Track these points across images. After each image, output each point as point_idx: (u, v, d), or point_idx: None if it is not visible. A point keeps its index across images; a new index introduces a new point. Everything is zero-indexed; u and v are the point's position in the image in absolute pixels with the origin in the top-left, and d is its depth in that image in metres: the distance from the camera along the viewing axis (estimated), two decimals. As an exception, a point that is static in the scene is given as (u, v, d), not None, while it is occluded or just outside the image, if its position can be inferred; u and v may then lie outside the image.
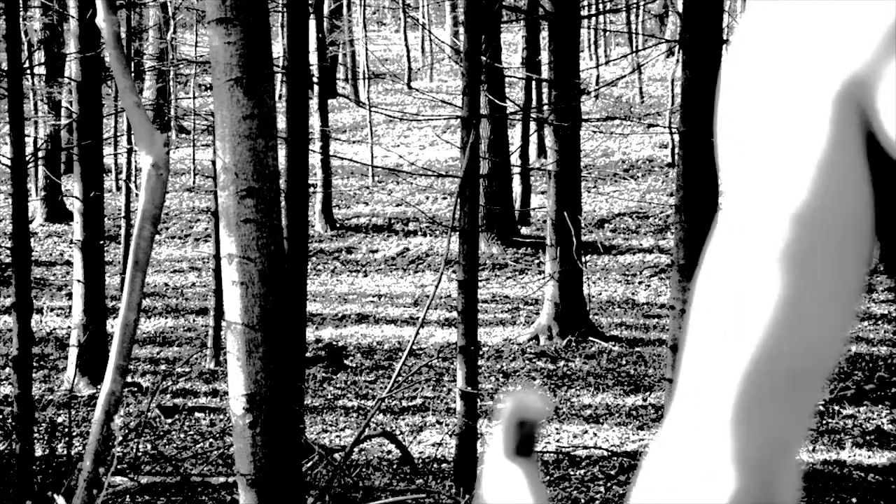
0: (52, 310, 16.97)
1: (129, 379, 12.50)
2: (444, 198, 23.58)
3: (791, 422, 0.78)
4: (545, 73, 16.47)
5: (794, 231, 0.76)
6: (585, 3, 33.08)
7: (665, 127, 19.48)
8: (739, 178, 0.80)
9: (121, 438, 9.65)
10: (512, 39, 37.67)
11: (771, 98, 0.80)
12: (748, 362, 0.77)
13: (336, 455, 9.70)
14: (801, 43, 0.81)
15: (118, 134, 20.78)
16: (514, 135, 24.26)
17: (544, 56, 19.27)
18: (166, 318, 16.65)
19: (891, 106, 0.75)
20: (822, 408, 11.82)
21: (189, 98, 28.07)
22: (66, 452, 8.72)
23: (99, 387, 12.20)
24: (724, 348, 0.78)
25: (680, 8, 13.04)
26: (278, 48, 19.31)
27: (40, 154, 22.31)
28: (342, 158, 15.23)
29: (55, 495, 7.60)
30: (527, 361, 14.04)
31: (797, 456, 0.80)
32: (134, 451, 10.00)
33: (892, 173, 0.79)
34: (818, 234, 0.77)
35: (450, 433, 11.12)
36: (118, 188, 24.47)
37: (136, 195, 15.35)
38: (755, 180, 0.78)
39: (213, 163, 7.49)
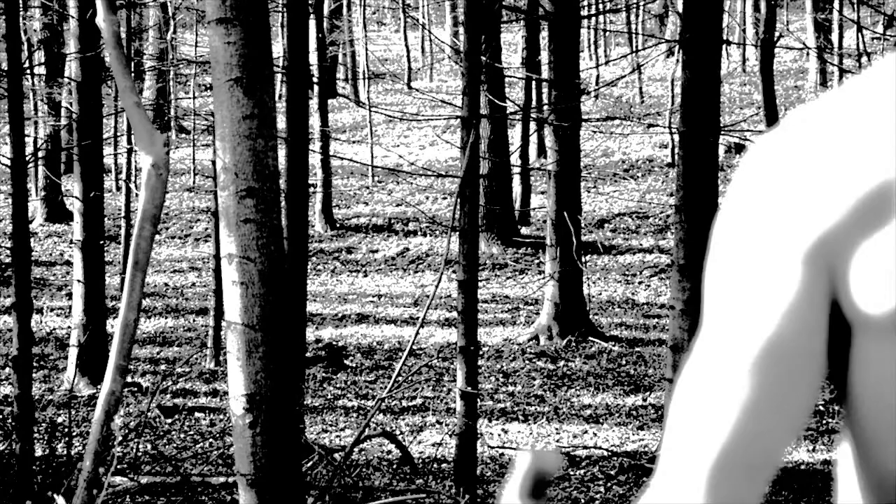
0: (52, 310, 16.97)
1: (129, 379, 12.50)
2: (444, 198, 23.58)
3: (746, 501, 1.06)
4: (545, 73, 16.47)
5: (761, 357, 1.03)
6: (585, 3, 33.07)
7: (665, 127, 19.47)
8: (723, 311, 1.06)
9: (121, 438, 9.65)
10: (512, 39, 37.66)
11: (755, 252, 1.05)
12: (715, 453, 1.05)
13: (336, 455, 9.70)
14: (782, 206, 1.05)
15: (118, 134, 20.78)
16: (514, 135, 24.26)
17: (544, 56, 19.27)
18: (166, 318, 16.65)
19: (858, 276, 0.94)
20: (821, 408, 11.83)
21: (189, 98, 28.06)
22: (66, 452, 8.72)
23: (99, 387, 12.20)
24: (696, 441, 1.05)
25: (680, 8, 13.04)
26: (278, 48, 19.30)
27: (40, 154, 22.31)
28: (342, 158, 15.24)
29: (55, 495, 7.60)
30: (527, 361, 14.04)
31: None
32: (134, 451, 10.00)
33: (844, 330, 1.04)
34: (779, 363, 1.04)
35: (450, 433, 11.12)
36: (118, 188, 24.48)
37: (136, 195, 15.35)
38: (735, 314, 1.04)
39: (213, 163, 7.49)
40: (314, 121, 21.37)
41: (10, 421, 10.57)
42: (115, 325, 7.78)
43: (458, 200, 8.52)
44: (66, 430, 9.51)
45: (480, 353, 13.74)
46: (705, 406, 1.07)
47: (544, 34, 22.10)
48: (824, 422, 11.40)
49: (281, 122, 9.52)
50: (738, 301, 1.07)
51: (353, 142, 28.37)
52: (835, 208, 1.03)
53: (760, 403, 1.06)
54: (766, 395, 1.06)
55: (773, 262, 1.06)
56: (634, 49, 32.77)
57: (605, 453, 10.50)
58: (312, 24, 19.50)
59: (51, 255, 20.93)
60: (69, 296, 16.76)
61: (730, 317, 1.07)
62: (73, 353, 12.86)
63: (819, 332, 1.06)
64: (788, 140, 1.08)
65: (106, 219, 18.14)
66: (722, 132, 11.49)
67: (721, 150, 23.96)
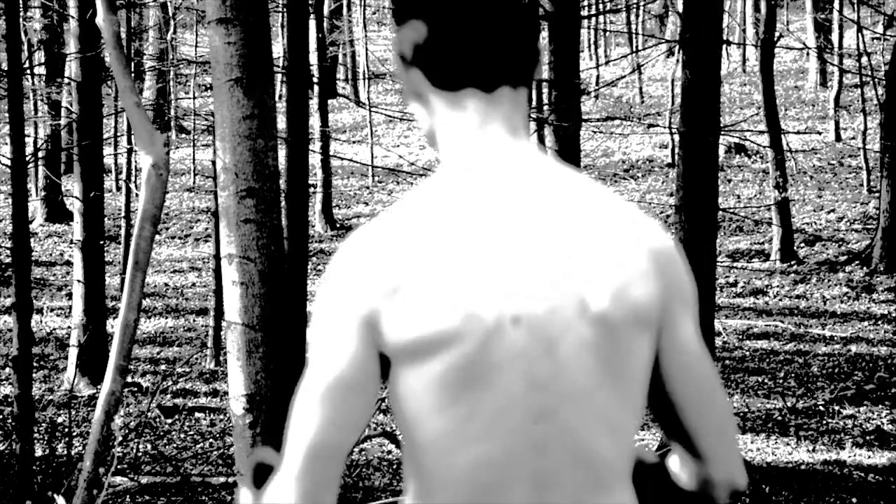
0: (52, 310, 16.97)
1: (129, 379, 12.50)
2: (444, 198, 23.57)
3: (330, 476, 1.74)
4: (545, 73, 16.47)
5: (333, 385, 1.73)
6: (585, 3, 33.07)
7: (665, 127, 19.47)
8: (315, 354, 1.74)
9: (121, 438, 9.64)
10: (512, 39, 37.64)
11: (331, 315, 1.73)
12: (310, 445, 1.72)
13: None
14: (349, 284, 1.72)
15: (118, 134, 20.78)
16: (514, 135, 24.26)
17: (544, 56, 19.26)
18: (166, 318, 16.65)
19: (386, 330, 1.69)
20: (822, 408, 11.83)
21: (189, 98, 28.06)
22: (66, 452, 8.72)
23: (99, 387, 12.20)
24: (299, 439, 1.72)
25: (680, 8, 13.03)
26: (278, 48, 19.30)
27: (40, 154, 22.31)
28: (342, 158, 15.22)
29: (55, 495, 7.60)
30: (527, 361, 14.05)
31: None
32: (134, 451, 10.01)
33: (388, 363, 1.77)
34: (343, 389, 1.72)
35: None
36: (118, 188, 24.48)
37: (136, 195, 15.35)
38: (320, 357, 1.72)
39: (213, 163, 7.49)
40: (314, 121, 21.36)
41: (10, 421, 10.56)
42: (115, 325, 7.78)
43: (458, 200, 8.53)
44: (66, 430, 9.51)
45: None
46: (304, 417, 1.74)
47: (544, 34, 22.10)
48: (824, 422, 11.40)
49: (281, 122, 9.51)
50: (322, 348, 1.74)
51: (353, 142, 28.36)
52: (376, 289, 1.71)
53: (335, 414, 1.73)
54: (338, 408, 1.73)
55: (340, 322, 1.72)
56: (634, 49, 32.76)
57: (605, 453, 10.50)
58: (312, 24, 19.48)
59: (51, 255, 20.93)
60: (69, 296, 16.76)
61: (318, 358, 1.74)
62: (73, 353, 12.86)
63: (368, 369, 1.74)
64: (365, 236, 1.75)
65: (106, 219, 18.14)
66: (722, 132, 11.49)
67: (721, 150, 23.95)
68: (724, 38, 16.22)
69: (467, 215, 1.71)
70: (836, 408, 11.82)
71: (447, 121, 1.80)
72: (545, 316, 1.69)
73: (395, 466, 10.37)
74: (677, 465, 1.88)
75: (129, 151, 17.13)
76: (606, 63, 19.89)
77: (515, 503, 1.71)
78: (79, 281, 12.78)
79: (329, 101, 29.21)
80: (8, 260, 19.18)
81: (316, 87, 21.55)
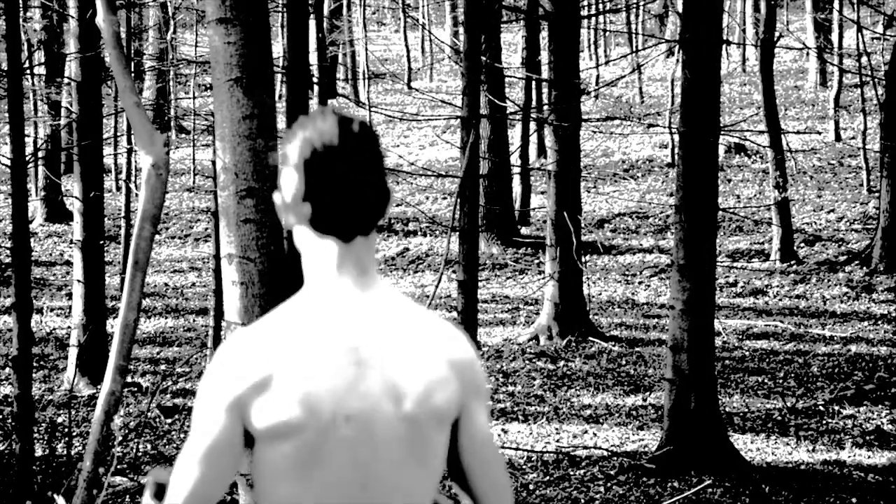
0: (52, 310, 16.96)
1: (129, 379, 12.50)
2: (444, 198, 23.57)
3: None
4: (545, 73, 16.46)
5: (207, 453, 2.33)
6: (585, 3, 33.07)
7: (665, 127, 19.46)
8: (196, 427, 2.33)
9: (121, 438, 9.64)
10: (512, 39, 37.64)
11: (210, 400, 2.33)
12: (188, 498, 2.33)
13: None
14: (225, 376, 2.32)
15: (118, 134, 20.77)
16: (514, 135, 24.25)
17: (544, 56, 19.25)
18: (166, 318, 16.65)
19: (254, 415, 2.29)
20: (822, 408, 11.83)
21: (189, 98, 28.05)
22: (66, 452, 8.72)
23: (99, 387, 12.20)
24: (180, 492, 2.33)
25: (680, 8, 13.03)
26: (278, 48, 19.29)
27: (40, 154, 22.31)
28: (342, 158, 15.17)
29: (55, 495, 7.60)
30: (527, 361, 14.04)
31: None
32: (134, 451, 10.00)
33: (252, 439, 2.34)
34: (216, 456, 2.31)
35: (450, 433, 11.12)
36: (118, 188, 24.47)
37: (136, 195, 15.35)
38: (200, 431, 2.32)
39: (213, 163, 7.49)
40: (314, 121, 21.32)
41: (10, 421, 10.56)
42: (115, 325, 7.78)
43: (458, 200, 8.52)
44: (66, 430, 9.51)
45: (480, 353, 13.73)
46: (185, 473, 2.33)
47: (544, 34, 22.09)
48: (824, 422, 11.39)
49: (281, 122, 9.50)
50: (202, 423, 2.32)
51: (353, 142, 28.32)
52: (246, 383, 2.29)
53: (209, 472, 2.32)
54: (211, 468, 2.32)
55: (217, 405, 2.31)
56: (634, 49, 32.76)
57: (605, 453, 10.50)
58: (312, 24, 19.47)
59: (51, 255, 20.92)
60: (69, 296, 16.76)
61: (198, 431, 2.33)
62: (73, 353, 12.86)
63: (235, 442, 2.32)
64: (242, 340, 2.33)
65: (106, 219, 18.13)
66: (722, 132, 11.49)
67: (721, 150, 23.95)
68: (724, 38, 16.24)
69: (318, 333, 2.31)
70: (836, 408, 11.81)
71: (314, 253, 2.39)
72: (369, 415, 2.30)
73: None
74: None
75: (129, 151, 17.13)
76: (606, 63, 19.88)
77: None
78: (79, 281, 12.77)
79: (329, 101, 29.18)
80: (8, 260, 19.18)
81: (316, 87, 21.55)
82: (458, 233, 8.49)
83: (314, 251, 2.38)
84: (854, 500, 9.30)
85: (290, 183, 2.33)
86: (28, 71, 20.79)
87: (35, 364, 13.32)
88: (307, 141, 2.30)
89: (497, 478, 2.47)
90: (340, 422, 2.28)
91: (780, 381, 12.92)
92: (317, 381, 2.27)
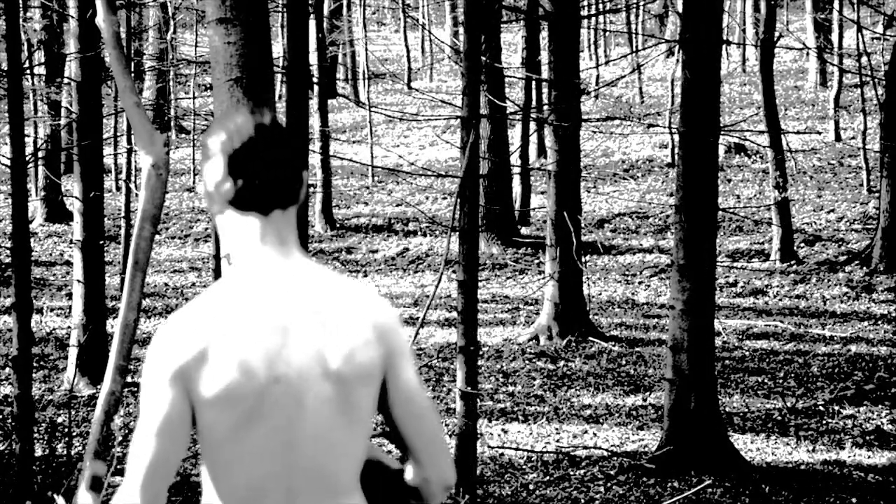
0: (52, 310, 16.96)
1: (129, 379, 12.50)
2: (444, 198, 23.57)
3: (160, 492, 2.51)
4: (545, 73, 16.46)
5: (160, 426, 2.47)
6: (585, 3, 33.08)
7: (665, 127, 19.46)
8: (145, 403, 2.51)
9: (121, 438, 9.64)
10: (512, 39, 37.64)
11: (154, 375, 2.50)
12: (147, 469, 2.47)
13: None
14: (167, 352, 2.49)
15: (118, 134, 20.77)
16: (514, 135, 24.25)
17: (544, 56, 19.25)
18: (166, 317, 16.65)
19: (196, 385, 2.46)
20: (822, 408, 11.83)
21: (189, 98, 28.06)
22: (66, 452, 8.72)
23: (99, 387, 12.20)
24: (137, 465, 2.48)
25: (680, 8, 13.03)
26: (278, 48, 19.30)
27: (40, 154, 22.31)
28: (342, 158, 15.24)
29: (55, 495, 7.60)
30: (527, 361, 14.04)
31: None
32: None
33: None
34: (167, 429, 2.47)
35: (450, 433, 11.12)
36: (118, 188, 24.47)
37: (136, 195, 15.35)
38: (149, 405, 2.50)
39: (213, 163, 7.48)
40: (314, 121, 21.36)
41: (10, 421, 10.56)
42: (115, 325, 7.77)
43: (458, 200, 8.52)
44: (66, 430, 9.50)
45: (480, 353, 13.72)
46: (142, 447, 2.47)
47: (544, 34, 22.09)
48: (824, 422, 11.39)
49: (281, 123, 9.50)
50: (151, 400, 2.48)
51: (353, 142, 28.35)
52: (187, 354, 2.46)
53: (163, 443, 2.47)
54: (164, 440, 2.46)
55: (162, 381, 2.47)
56: (634, 49, 32.76)
57: (605, 453, 10.50)
58: (312, 24, 19.47)
59: (51, 255, 20.92)
60: (69, 296, 16.75)
61: (148, 407, 2.48)
62: (73, 353, 12.86)
63: (183, 412, 2.47)
64: (179, 319, 2.49)
65: (106, 219, 18.13)
66: (722, 132, 11.49)
67: (721, 150, 23.95)
68: (724, 38, 16.25)
69: (248, 304, 2.50)
70: (836, 408, 11.81)
71: (237, 231, 2.59)
72: (297, 376, 2.47)
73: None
74: (409, 470, 2.66)
75: (129, 151, 17.13)
76: (606, 63, 19.88)
77: None
78: (79, 281, 12.77)
79: (329, 101, 29.20)
80: (8, 260, 19.18)
81: (316, 87, 21.55)
82: (458, 233, 8.49)
83: (238, 229, 2.59)
84: (854, 500, 9.30)
85: (213, 171, 2.59)
86: (28, 71, 20.79)
87: (35, 364, 13.32)
88: (227, 134, 2.58)
89: (428, 426, 2.62)
90: (271, 384, 2.45)
91: (780, 381, 12.92)
92: (250, 347, 2.45)
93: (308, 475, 2.51)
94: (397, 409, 2.60)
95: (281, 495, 2.51)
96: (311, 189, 22.23)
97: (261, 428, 2.46)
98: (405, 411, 2.60)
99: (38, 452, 9.20)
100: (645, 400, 12.35)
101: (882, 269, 17.55)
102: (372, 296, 2.60)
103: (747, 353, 14.08)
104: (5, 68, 9.02)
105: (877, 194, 19.52)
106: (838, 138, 25.98)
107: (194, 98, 24.75)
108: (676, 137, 13.02)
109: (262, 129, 2.59)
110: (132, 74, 8.67)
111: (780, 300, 16.79)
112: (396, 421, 2.62)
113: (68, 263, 19.34)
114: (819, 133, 26.23)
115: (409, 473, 2.66)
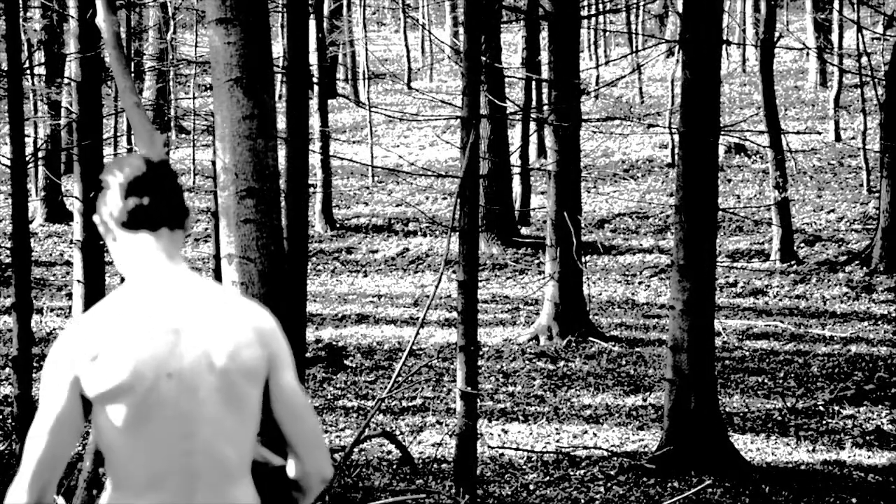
0: (52, 310, 16.97)
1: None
2: (444, 198, 23.56)
3: (51, 483, 2.82)
4: (545, 73, 16.46)
5: (54, 424, 2.76)
6: (585, 3, 33.06)
7: (665, 127, 19.46)
8: (43, 402, 2.83)
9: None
10: (512, 39, 37.64)
11: (54, 377, 2.81)
12: (37, 465, 2.77)
13: (336, 455, 9.70)
14: (66, 356, 2.79)
15: (118, 134, 20.77)
16: (514, 135, 24.25)
17: (544, 56, 19.25)
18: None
19: (87, 384, 2.77)
20: (821, 408, 11.82)
21: (189, 98, 28.05)
22: (66, 452, 8.70)
23: (99, 387, 12.19)
24: (31, 460, 2.77)
25: (680, 8, 13.03)
26: (278, 48, 19.29)
27: (40, 154, 22.31)
28: (342, 158, 15.23)
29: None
30: (527, 361, 14.04)
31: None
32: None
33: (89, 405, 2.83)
34: (60, 426, 2.77)
35: (450, 433, 11.12)
36: (118, 188, 24.43)
37: (136, 195, 15.29)
38: (46, 405, 2.80)
39: (213, 163, 7.49)
40: (314, 121, 21.36)
41: (10, 421, 10.57)
42: (115, 325, 7.75)
43: (458, 200, 8.52)
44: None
45: (480, 353, 13.72)
46: (36, 441, 2.74)
47: (544, 34, 22.09)
48: (824, 422, 11.39)
49: (281, 122, 9.50)
50: (47, 397, 2.76)
51: (353, 142, 28.35)
52: (82, 359, 2.74)
53: (56, 439, 2.74)
54: (57, 435, 2.74)
55: (58, 381, 2.76)
56: (634, 49, 32.75)
57: (605, 453, 10.50)
58: (312, 24, 19.46)
59: (51, 255, 20.93)
60: (69, 296, 16.76)
61: (44, 404, 2.75)
62: (73, 353, 12.85)
63: (75, 410, 2.75)
64: (78, 325, 2.78)
65: (106, 219, 18.09)
66: (722, 132, 11.49)
67: (721, 150, 23.95)
68: (724, 38, 16.23)
69: (140, 310, 2.79)
70: (836, 408, 11.81)
71: (129, 249, 2.90)
72: (188, 371, 2.76)
73: (394, 466, 10.38)
74: (290, 465, 2.97)
75: (129, 151, 17.12)
76: (606, 63, 19.88)
77: (172, 492, 2.78)
78: (79, 281, 12.78)
79: (329, 101, 29.19)
80: (8, 260, 19.18)
81: (316, 87, 21.54)
82: (458, 233, 8.49)
83: (130, 248, 2.90)
84: (854, 500, 9.30)
85: (109, 200, 2.91)
86: (28, 71, 20.79)
87: (35, 364, 13.30)
88: (122, 169, 2.92)
89: (306, 425, 2.94)
90: (163, 380, 2.74)
91: (780, 381, 12.92)
92: (140, 350, 2.75)
93: (206, 460, 2.79)
94: (279, 409, 2.91)
95: (182, 479, 2.78)
96: (312, 189, 22.22)
97: (157, 419, 2.74)
98: (286, 411, 2.91)
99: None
100: (645, 400, 12.34)
101: (882, 269, 17.55)
102: (253, 305, 2.95)
103: (747, 354, 14.08)
104: (5, 68, 9.02)
105: (877, 194, 19.52)
106: (838, 138, 25.98)
107: (194, 98, 24.74)
108: (676, 137, 13.02)
109: (153, 165, 2.95)
110: (132, 74, 8.66)
111: (780, 300, 16.79)
112: (278, 419, 2.92)
113: (68, 263, 19.34)
114: (819, 133, 26.23)
115: (291, 468, 2.97)
